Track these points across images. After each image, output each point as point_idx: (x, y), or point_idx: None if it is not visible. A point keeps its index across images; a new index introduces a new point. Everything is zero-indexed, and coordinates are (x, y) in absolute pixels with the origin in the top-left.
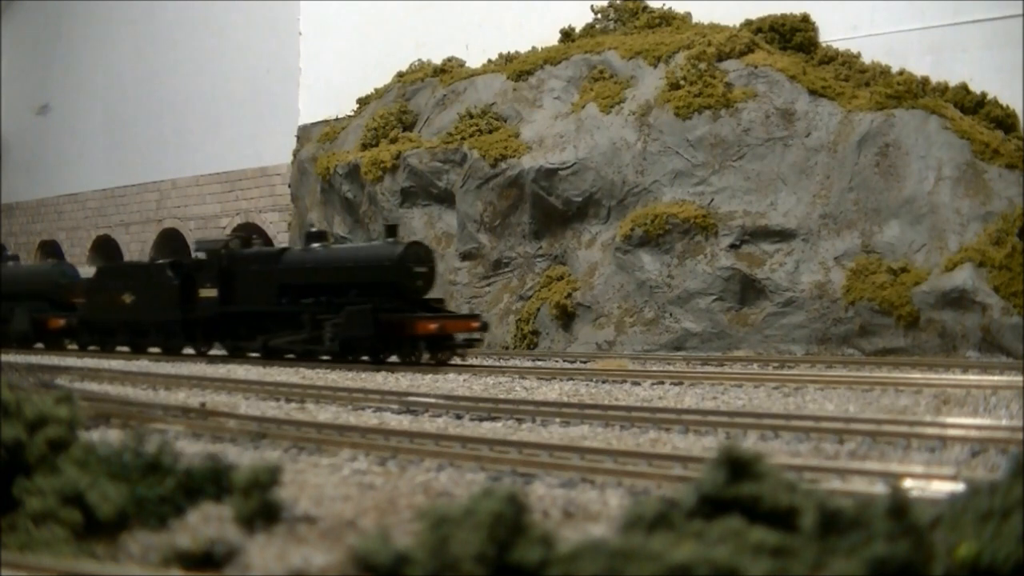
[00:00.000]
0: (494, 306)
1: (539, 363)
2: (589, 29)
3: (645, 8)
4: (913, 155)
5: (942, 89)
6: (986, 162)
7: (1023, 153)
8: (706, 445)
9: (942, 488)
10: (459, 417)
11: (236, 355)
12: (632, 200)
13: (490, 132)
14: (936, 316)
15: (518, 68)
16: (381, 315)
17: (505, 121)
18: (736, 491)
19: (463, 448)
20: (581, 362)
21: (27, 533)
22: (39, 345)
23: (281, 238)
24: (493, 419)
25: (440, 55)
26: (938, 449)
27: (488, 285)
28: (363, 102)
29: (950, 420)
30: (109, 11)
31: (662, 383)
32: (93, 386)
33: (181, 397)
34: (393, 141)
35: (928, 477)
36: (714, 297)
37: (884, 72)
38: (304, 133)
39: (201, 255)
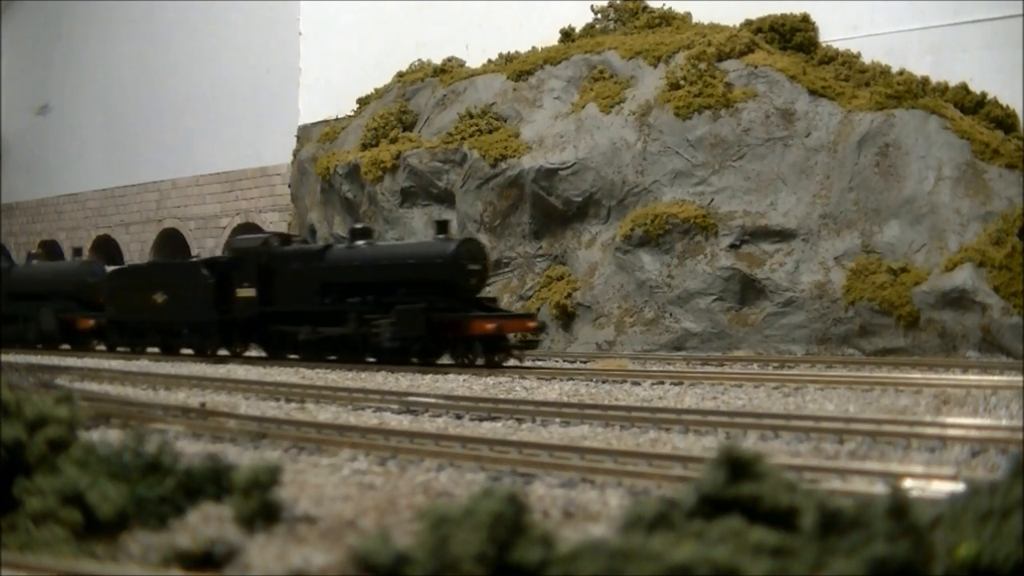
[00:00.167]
0: None
1: (539, 363)
2: (589, 29)
3: (645, 8)
4: (913, 155)
5: (942, 89)
6: (986, 162)
7: (1023, 153)
8: (706, 445)
9: (942, 488)
10: (459, 417)
11: (277, 357)
12: (632, 200)
13: (490, 132)
14: (936, 316)
15: (518, 68)
16: (434, 314)
17: (505, 121)
18: (736, 491)
19: (463, 448)
20: (581, 362)
21: (27, 533)
22: (65, 346)
23: None
24: (493, 419)
25: (440, 55)
26: (938, 449)
27: (488, 285)
28: (363, 102)
29: (950, 420)
30: (109, 11)
31: (662, 383)
32: (93, 386)
33: (181, 397)
34: (393, 141)
35: (928, 477)
36: (714, 297)
37: (884, 72)
38: (304, 133)
39: (237, 253)
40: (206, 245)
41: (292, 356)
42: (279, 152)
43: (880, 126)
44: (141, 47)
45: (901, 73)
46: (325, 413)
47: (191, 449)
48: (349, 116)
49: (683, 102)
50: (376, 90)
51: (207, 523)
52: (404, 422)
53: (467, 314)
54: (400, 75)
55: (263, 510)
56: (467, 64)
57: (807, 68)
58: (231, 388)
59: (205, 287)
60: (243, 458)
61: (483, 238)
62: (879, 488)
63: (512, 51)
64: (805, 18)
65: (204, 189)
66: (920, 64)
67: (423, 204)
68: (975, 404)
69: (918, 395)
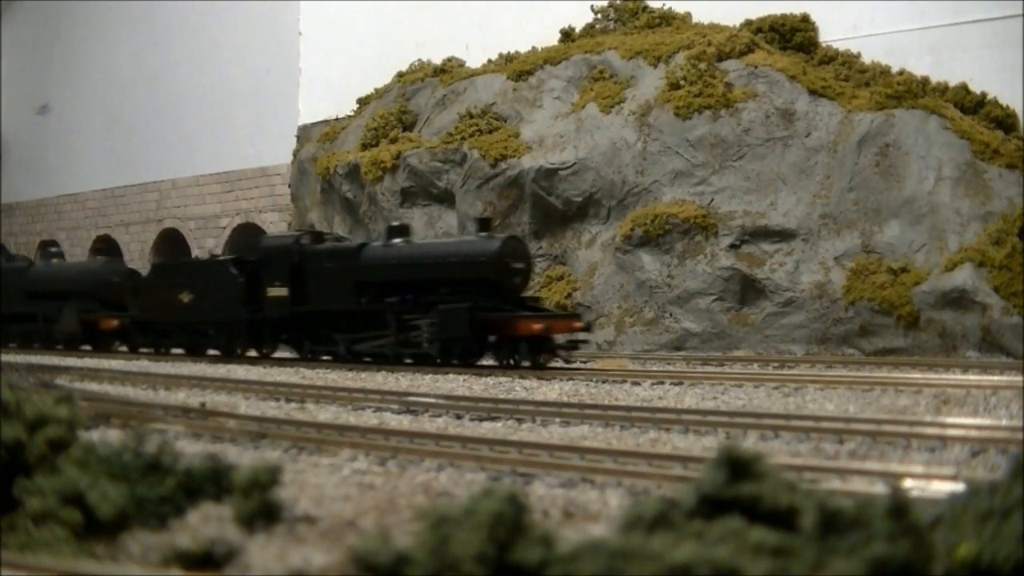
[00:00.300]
0: None
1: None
2: (589, 29)
3: (645, 8)
4: (913, 155)
5: (942, 89)
6: (986, 162)
7: (1023, 153)
8: (706, 445)
9: (942, 488)
10: (459, 417)
11: (310, 359)
12: (632, 200)
13: (490, 132)
14: (936, 316)
15: (518, 68)
16: (477, 314)
17: (505, 121)
18: (736, 491)
19: (463, 448)
20: (581, 362)
21: (27, 533)
22: (86, 347)
23: None
24: (493, 419)
25: (440, 55)
26: (938, 449)
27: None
28: (363, 102)
29: (950, 420)
30: (109, 11)
31: (662, 383)
32: (93, 386)
33: (181, 397)
34: (393, 141)
35: (928, 477)
36: (714, 297)
37: (884, 72)
38: (304, 133)
39: (268, 251)
40: (206, 245)
41: (325, 357)
42: (279, 152)
43: (880, 126)
44: (141, 47)
45: (901, 73)
46: (325, 413)
47: (191, 449)
48: (349, 116)
49: (683, 102)
50: (376, 90)
51: (207, 523)
52: (404, 422)
53: (513, 314)
54: (400, 75)
55: (263, 510)
56: (467, 64)
57: (807, 68)
58: (231, 388)
59: (234, 286)
60: (243, 458)
61: None
62: (879, 488)
63: (512, 51)
64: (805, 18)
65: (204, 189)
66: (920, 64)
67: (423, 204)
68: (975, 404)
69: (918, 395)
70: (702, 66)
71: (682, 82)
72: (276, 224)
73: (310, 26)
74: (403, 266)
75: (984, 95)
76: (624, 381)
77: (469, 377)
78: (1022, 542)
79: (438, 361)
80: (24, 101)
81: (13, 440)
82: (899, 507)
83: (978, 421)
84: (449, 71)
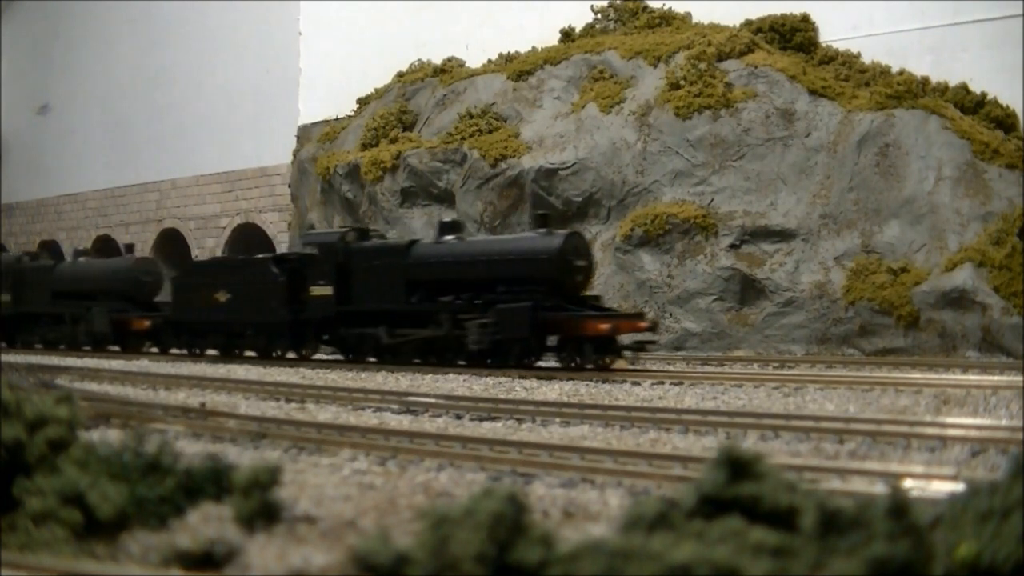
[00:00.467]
0: None
1: (539, 363)
2: (589, 29)
3: (645, 8)
4: (913, 155)
5: (942, 89)
6: (986, 162)
7: (1023, 153)
8: (706, 445)
9: (942, 488)
10: (459, 417)
11: (354, 360)
12: (632, 200)
13: (490, 132)
14: (936, 316)
15: (518, 68)
16: (539, 314)
17: (505, 121)
18: (736, 491)
19: (463, 448)
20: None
21: (27, 533)
22: (116, 348)
23: (281, 238)
24: (493, 419)
25: (440, 55)
26: (938, 449)
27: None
28: (363, 102)
29: (950, 420)
30: (109, 11)
31: (662, 383)
32: (93, 386)
33: (181, 397)
34: (393, 141)
35: (928, 477)
36: (714, 297)
37: (884, 72)
38: (304, 133)
39: (311, 249)
40: (206, 245)
41: (371, 359)
42: (279, 152)
43: (880, 126)
44: (141, 47)
45: (901, 73)
46: (325, 413)
47: (191, 449)
48: (349, 116)
49: (683, 102)
50: (376, 90)
51: (207, 523)
52: (404, 422)
53: (578, 313)
54: (400, 75)
55: (263, 510)
56: (467, 64)
57: (807, 68)
58: (231, 388)
59: (275, 285)
60: (243, 458)
61: None
62: (879, 488)
63: (512, 51)
64: (805, 18)
65: (204, 189)
66: (920, 64)
67: (423, 204)
68: (975, 404)
69: (918, 395)
70: (702, 66)
71: (682, 82)
72: (276, 224)
73: (310, 26)
74: (457, 264)
75: (984, 95)
76: (624, 381)
77: (469, 377)
78: (1022, 542)
79: (488, 362)
80: (24, 101)
81: (13, 440)
82: (899, 507)
83: (978, 421)
84: (449, 71)
